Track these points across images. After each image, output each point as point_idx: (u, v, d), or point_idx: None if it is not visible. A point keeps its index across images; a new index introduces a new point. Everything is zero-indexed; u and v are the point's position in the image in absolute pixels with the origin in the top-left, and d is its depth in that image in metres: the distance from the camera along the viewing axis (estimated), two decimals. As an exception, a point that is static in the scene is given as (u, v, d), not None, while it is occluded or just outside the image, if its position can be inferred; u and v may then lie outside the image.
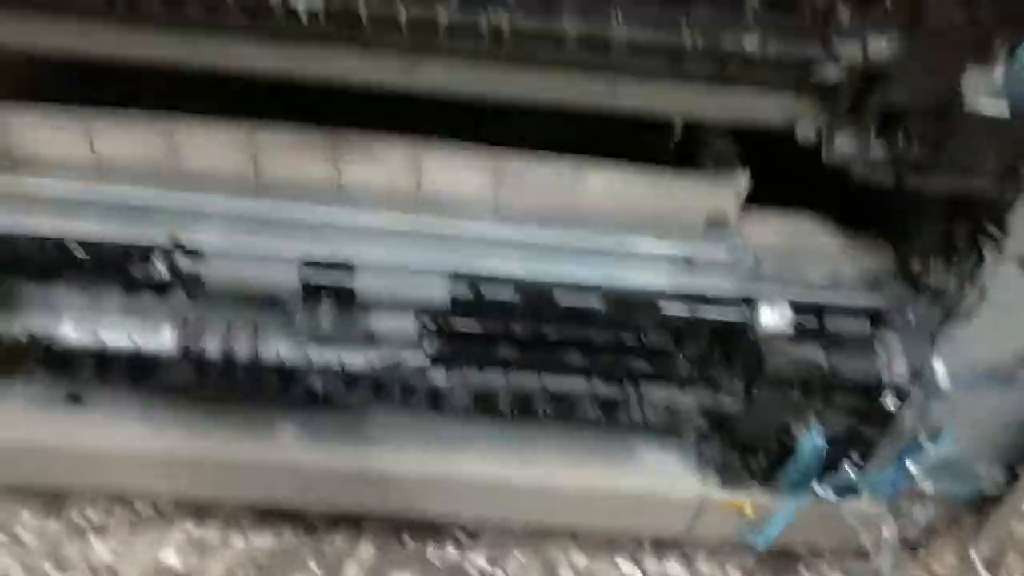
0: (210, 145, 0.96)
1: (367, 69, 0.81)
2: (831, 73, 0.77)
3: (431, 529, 1.25)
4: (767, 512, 1.09)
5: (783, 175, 0.98)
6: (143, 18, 0.77)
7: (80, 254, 0.97)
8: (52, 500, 1.24)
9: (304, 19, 0.72)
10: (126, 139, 0.95)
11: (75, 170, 0.96)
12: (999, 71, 0.72)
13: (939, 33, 0.70)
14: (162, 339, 1.07)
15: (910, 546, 1.13)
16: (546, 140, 0.99)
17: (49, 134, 0.95)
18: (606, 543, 1.28)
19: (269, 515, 1.24)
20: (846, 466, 1.06)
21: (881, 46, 0.73)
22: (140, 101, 0.97)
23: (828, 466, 1.05)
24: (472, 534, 1.27)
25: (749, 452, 1.08)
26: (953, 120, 0.74)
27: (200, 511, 1.24)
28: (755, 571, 1.27)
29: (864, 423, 1.02)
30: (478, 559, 1.25)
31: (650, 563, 1.27)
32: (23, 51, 0.85)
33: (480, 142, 0.97)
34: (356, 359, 1.07)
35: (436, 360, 1.06)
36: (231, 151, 0.96)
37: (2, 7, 0.81)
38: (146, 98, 0.98)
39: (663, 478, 1.12)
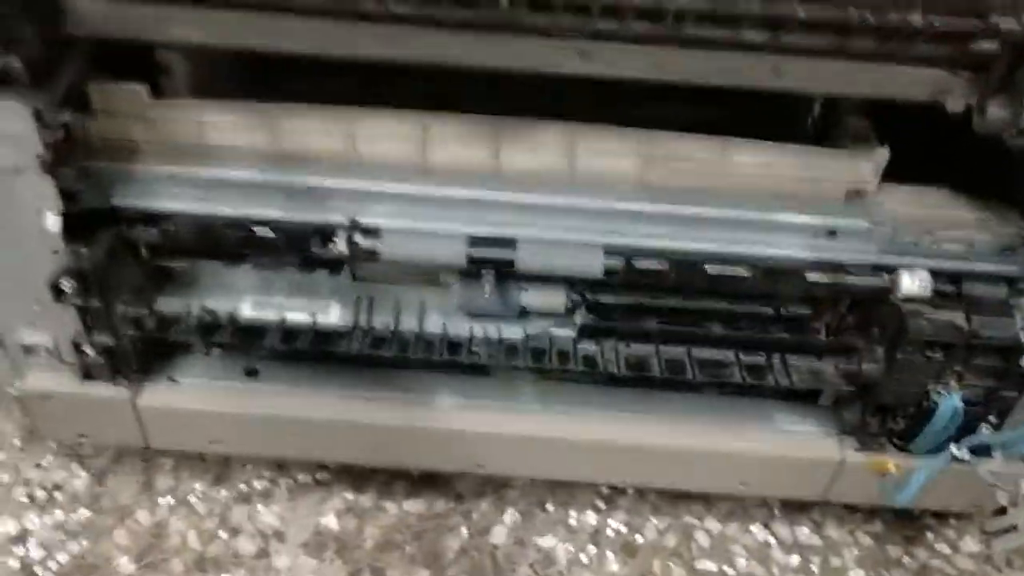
0: (384, 134, 1.04)
1: (548, 56, 0.88)
2: (987, 46, 0.83)
3: (571, 496, 1.33)
4: (904, 474, 1.13)
5: (917, 150, 1.04)
6: (346, 15, 0.85)
7: (268, 235, 1.05)
8: (220, 471, 1.34)
9: (505, 3, 0.79)
10: (308, 130, 1.04)
11: (262, 159, 1.05)
12: None
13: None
14: (333, 315, 1.16)
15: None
16: (690, 119, 1.07)
17: (238, 127, 1.05)
18: (739, 509, 1.34)
19: (420, 483, 1.33)
20: (983, 427, 1.10)
21: (1042, 17, 0.79)
22: (318, 94, 1.07)
23: (965, 427, 1.10)
24: (610, 500, 1.34)
25: (888, 415, 1.12)
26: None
27: (356, 481, 1.33)
28: (884, 536, 1.32)
29: (1002, 384, 1.06)
30: (617, 524, 1.31)
31: (782, 529, 1.32)
32: (229, 49, 0.94)
33: (626, 124, 1.05)
34: (513, 331, 1.14)
35: (587, 331, 1.13)
36: (403, 139, 1.05)
37: (212, 7, 0.90)
38: (323, 91, 1.07)
39: (803, 441, 1.18)
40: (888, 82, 0.89)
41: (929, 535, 1.32)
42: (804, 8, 0.79)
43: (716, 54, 0.86)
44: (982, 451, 1.12)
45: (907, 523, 1.33)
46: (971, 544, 1.31)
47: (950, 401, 1.06)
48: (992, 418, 1.10)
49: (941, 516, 1.33)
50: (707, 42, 0.84)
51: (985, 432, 1.10)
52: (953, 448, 1.11)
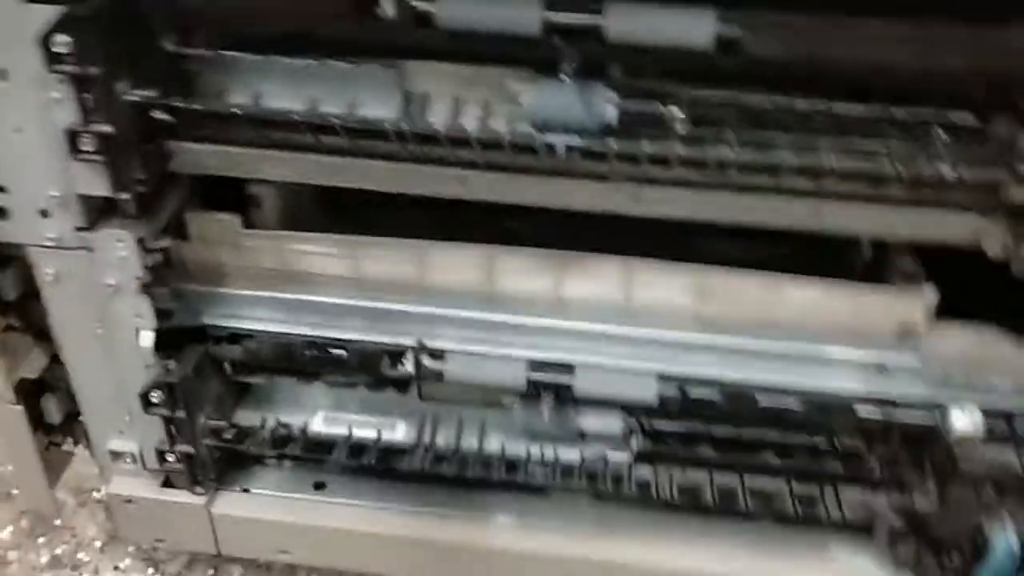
0: (453, 264, 1.12)
1: (603, 197, 0.95)
2: (1017, 194, 0.87)
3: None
4: (962, 614, 1.12)
5: (964, 291, 1.07)
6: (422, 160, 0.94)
7: (343, 354, 1.13)
8: (290, 583, 1.39)
9: (561, 153, 0.87)
10: (383, 259, 1.13)
11: (340, 285, 1.14)
12: None
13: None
14: (399, 432, 1.22)
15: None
16: (745, 256, 1.12)
17: (320, 256, 1.14)
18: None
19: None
20: (1042, 568, 1.09)
21: (1064, 170, 0.83)
22: (395, 226, 1.15)
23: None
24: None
25: (943, 552, 1.12)
26: None
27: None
28: None
29: (1058, 525, 1.05)
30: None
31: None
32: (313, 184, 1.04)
33: (683, 258, 1.11)
34: (570, 453, 1.19)
35: (643, 456, 1.16)
36: (471, 268, 1.12)
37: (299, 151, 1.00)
38: (400, 223, 1.16)
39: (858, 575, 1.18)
40: (926, 226, 0.93)
41: None
42: (838, 159, 0.84)
43: (758, 196, 0.91)
44: (1046, 595, 1.11)
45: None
46: None
47: (1005, 540, 1.06)
48: (1052, 558, 1.09)
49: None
50: (748, 187, 0.90)
51: (1044, 573, 1.09)
52: (1012, 589, 1.10)
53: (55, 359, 1.21)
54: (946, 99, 0.92)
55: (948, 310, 1.09)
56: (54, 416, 1.25)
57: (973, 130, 0.91)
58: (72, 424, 1.29)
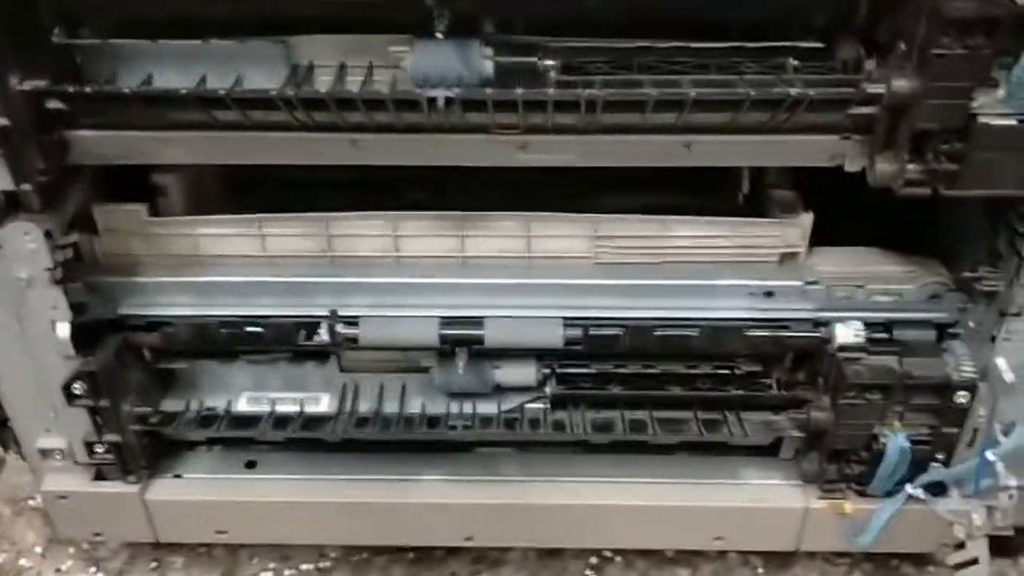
0: (358, 233, 1.17)
1: (488, 151, 1.01)
2: (866, 111, 0.95)
3: (563, 569, 1.39)
4: (867, 516, 1.20)
5: (845, 217, 1.15)
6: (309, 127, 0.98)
7: (258, 330, 1.16)
8: (228, 567, 1.41)
9: (441, 105, 0.92)
10: (288, 234, 1.17)
11: (249, 264, 1.17)
12: (1001, 90, 0.89)
13: (947, 66, 0.87)
14: (322, 404, 1.26)
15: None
16: (637, 204, 1.19)
17: (226, 237, 1.17)
18: (723, 570, 1.40)
19: (417, 564, 1.40)
20: (933, 465, 1.17)
21: (903, 83, 0.91)
22: (297, 203, 1.19)
23: (917, 467, 1.17)
24: (599, 569, 1.40)
25: (843, 461, 1.20)
26: (970, 135, 0.91)
27: (355, 567, 1.40)
28: (866, 589, 1.37)
29: (942, 422, 1.13)
30: (607, 591, 1.37)
31: (767, 586, 1.38)
32: (214, 164, 1.08)
33: (577, 211, 1.17)
34: (488, 407, 1.24)
35: (557, 401, 1.22)
36: (376, 236, 1.17)
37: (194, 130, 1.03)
38: (301, 199, 1.20)
39: (769, 493, 1.25)
40: (790, 151, 1.01)
41: (910, 580, 1.37)
42: (696, 90, 0.91)
43: (634, 138, 0.98)
44: (939, 490, 1.19)
45: (887, 571, 1.38)
46: (948, 589, 1.36)
47: (895, 441, 1.14)
48: (940, 456, 1.17)
49: (919, 564, 1.38)
50: (623, 128, 0.96)
51: (935, 470, 1.17)
52: (908, 488, 1.18)
53: (-25, 365, 1.22)
54: (795, 28, 0.99)
55: (826, 234, 1.17)
56: (-18, 423, 1.26)
57: (821, 55, 0.99)
58: (1, 431, 1.30)
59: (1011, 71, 0.87)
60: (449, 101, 0.93)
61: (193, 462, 1.30)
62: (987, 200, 1.04)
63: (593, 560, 1.41)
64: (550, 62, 0.98)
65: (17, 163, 0.97)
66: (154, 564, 1.42)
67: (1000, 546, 1.27)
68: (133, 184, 1.16)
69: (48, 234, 1.06)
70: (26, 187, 0.99)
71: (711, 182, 1.22)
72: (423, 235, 1.16)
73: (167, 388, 1.27)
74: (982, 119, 0.90)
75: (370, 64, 0.99)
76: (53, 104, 0.97)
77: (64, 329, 1.10)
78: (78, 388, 1.14)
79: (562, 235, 1.16)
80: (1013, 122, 0.90)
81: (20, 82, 0.93)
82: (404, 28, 0.97)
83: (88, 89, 0.94)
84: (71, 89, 0.94)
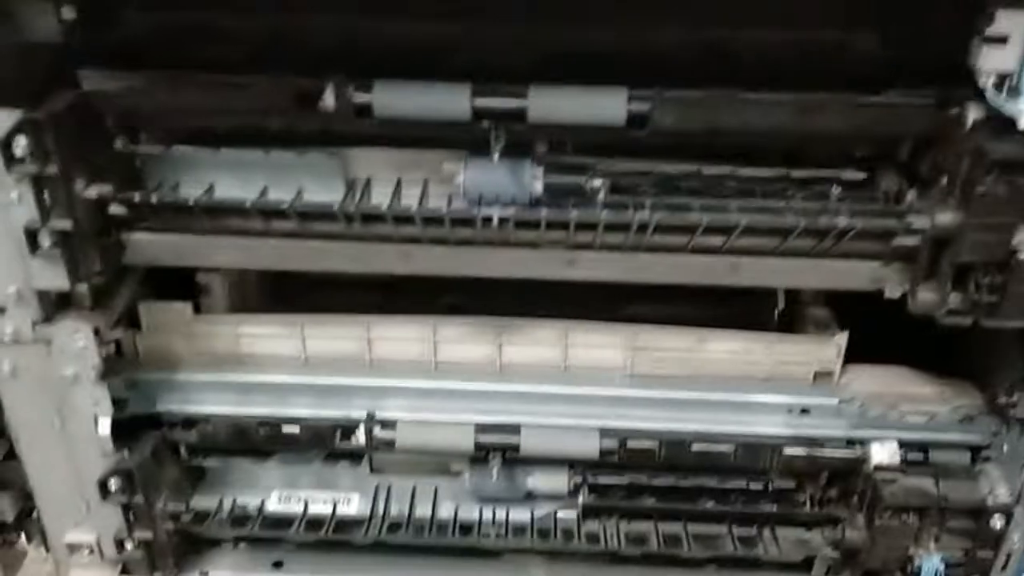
0: (397, 337, 1.18)
1: (536, 265, 1.03)
2: (911, 242, 0.97)
3: None
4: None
5: (878, 335, 1.16)
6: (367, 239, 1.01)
7: (295, 431, 1.17)
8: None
9: (495, 223, 0.95)
10: (330, 337, 1.18)
11: (290, 364, 1.19)
12: (1041, 230, 0.92)
13: (989, 202, 0.90)
14: (353, 505, 1.26)
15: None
16: (672, 316, 1.21)
17: (269, 337, 1.19)
18: None
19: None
20: (969, 589, 1.17)
21: (946, 217, 0.93)
22: (340, 305, 1.21)
23: (952, 590, 1.17)
24: None
25: (877, 581, 1.19)
26: (1012, 268, 0.93)
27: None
28: None
29: (977, 545, 1.13)
30: None
31: None
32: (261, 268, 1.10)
33: (613, 319, 1.19)
34: (521, 513, 1.24)
35: (590, 511, 1.22)
36: (414, 340, 1.18)
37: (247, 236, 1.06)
38: (344, 302, 1.22)
39: (800, 612, 1.24)
40: (832, 275, 1.03)
41: None
42: (747, 216, 0.94)
43: (679, 257, 1.00)
44: (973, 613, 1.19)
45: None
46: None
47: (930, 563, 1.14)
48: (976, 579, 1.17)
49: None
50: (669, 248, 0.99)
51: (971, 594, 1.17)
52: (944, 611, 1.18)
53: (7, 456, 1.22)
54: (839, 159, 1.02)
55: (861, 353, 1.18)
56: (7, 514, 1.26)
57: (864, 185, 1.01)
58: (24, 522, 1.29)
59: (1052, 212, 0.89)
60: (503, 220, 0.95)
61: (219, 559, 1.30)
62: (1020, 328, 1.05)
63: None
64: (599, 182, 1.00)
65: (75, 264, 1.00)
66: (172, 662, 1.39)
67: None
68: (177, 282, 1.18)
69: (96, 331, 1.07)
70: (81, 287, 1.01)
71: (747, 296, 1.24)
72: (461, 341, 1.18)
73: (198, 484, 1.27)
74: (1023, 254, 0.92)
75: (425, 180, 1.02)
76: (115, 209, 0.99)
77: (105, 426, 1.12)
78: (114, 484, 1.14)
79: (599, 345, 1.17)
80: (1052, 261, 0.92)
81: (85, 188, 0.96)
82: (457, 145, 1.00)
83: (154, 198, 0.96)
84: (137, 197, 0.97)
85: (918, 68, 0.95)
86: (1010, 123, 0.87)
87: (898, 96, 0.96)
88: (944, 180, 0.95)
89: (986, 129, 0.90)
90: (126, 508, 1.17)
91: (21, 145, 0.92)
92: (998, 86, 0.86)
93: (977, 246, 0.93)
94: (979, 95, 0.89)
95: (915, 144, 0.98)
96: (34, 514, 1.28)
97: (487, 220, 0.95)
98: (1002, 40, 0.83)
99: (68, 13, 0.92)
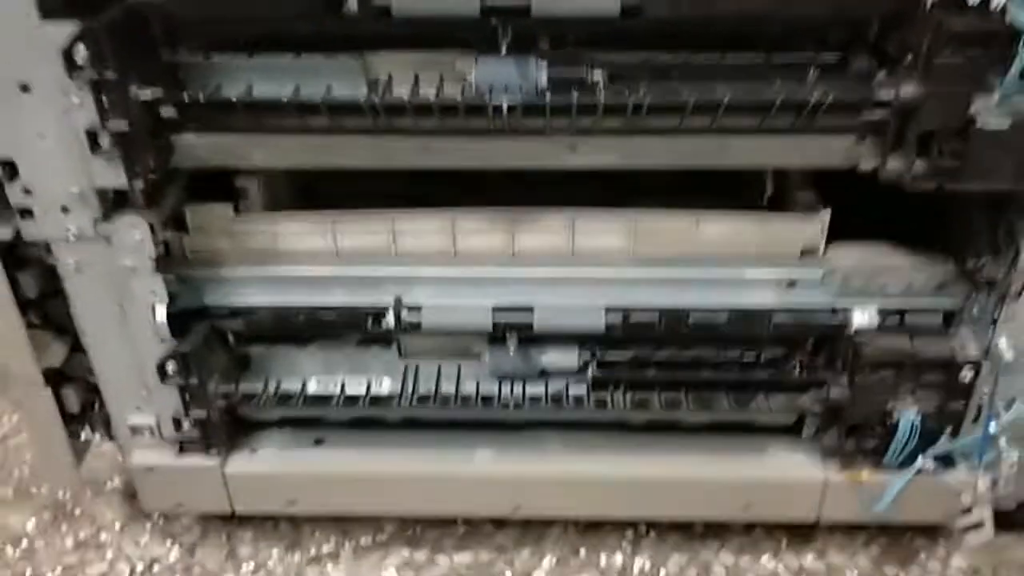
0: (419, 229, 1.30)
1: (544, 152, 1.14)
2: (877, 115, 1.08)
3: (600, 541, 1.51)
4: (882, 487, 1.32)
5: (860, 215, 1.27)
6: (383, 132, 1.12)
7: (331, 318, 1.30)
8: (293, 538, 1.54)
9: (505, 111, 1.06)
10: (358, 231, 1.30)
11: (323, 257, 1.31)
12: (995, 96, 1.02)
13: (947, 73, 1.01)
14: (385, 385, 1.39)
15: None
16: (671, 201, 1.32)
17: (303, 234, 1.31)
18: (750, 543, 1.51)
19: (467, 537, 1.52)
20: (943, 439, 1.29)
21: (909, 89, 1.04)
22: (364, 197, 1.33)
23: (928, 441, 1.29)
24: (635, 543, 1.52)
25: (860, 436, 1.32)
26: (971, 136, 1.04)
27: (410, 540, 1.52)
28: (880, 559, 1.48)
29: (949, 398, 1.26)
30: (642, 561, 1.49)
31: (789, 557, 1.49)
32: (295, 168, 1.22)
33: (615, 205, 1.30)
34: (535, 389, 1.37)
35: (598, 383, 1.35)
36: (435, 231, 1.30)
37: (279, 133, 1.17)
38: (367, 194, 1.34)
39: (792, 467, 1.37)
40: (811, 152, 1.14)
41: (922, 555, 1.49)
42: (730, 94, 1.05)
43: (672, 139, 1.11)
44: (948, 463, 1.31)
45: (901, 545, 1.49)
46: (959, 561, 1.47)
47: (907, 416, 1.26)
48: (949, 430, 1.29)
49: (930, 536, 1.50)
50: (663, 131, 1.10)
51: (944, 443, 1.29)
52: (920, 460, 1.30)
53: (72, 351, 1.35)
54: (816, 43, 1.13)
55: (845, 231, 1.29)
56: (73, 406, 1.40)
57: (839, 67, 1.12)
58: (87, 414, 1.43)
59: (1004, 79, 0.99)
60: (512, 108, 1.06)
61: (266, 439, 1.44)
62: (987, 195, 1.16)
63: (629, 534, 1.53)
64: (598, 72, 1.11)
65: (132, 164, 1.11)
66: (224, 537, 1.54)
67: (1004, 521, 1.38)
68: (217, 189, 1.30)
69: (151, 228, 1.19)
70: (137, 184, 1.13)
71: (739, 186, 1.35)
72: (478, 231, 1.29)
73: (244, 371, 1.40)
74: (979, 121, 1.03)
75: (441, 76, 1.12)
76: (166, 111, 1.10)
77: (162, 313, 1.24)
78: (171, 367, 1.27)
79: (603, 231, 1.29)
80: (1006, 125, 1.02)
81: (139, 92, 1.07)
82: (469, 44, 1.11)
83: (201, 98, 1.08)
84: (186, 98, 1.08)
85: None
86: (964, 1, 0.96)
87: (868, -20, 1.05)
88: (909, 57, 1.05)
89: (943, 7, 0.99)
90: (182, 389, 1.30)
91: (81, 53, 1.03)
92: (952, -33, 0.95)
93: (938, 115, 1.03)
94: (938, -23, 0.98)
95: (883, 25, 1.08)
96: (95, 406, 1.42)
97: (497, 108, 1.06)
98: (952, -74, 0.92)
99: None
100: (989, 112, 1.03)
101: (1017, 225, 1.15)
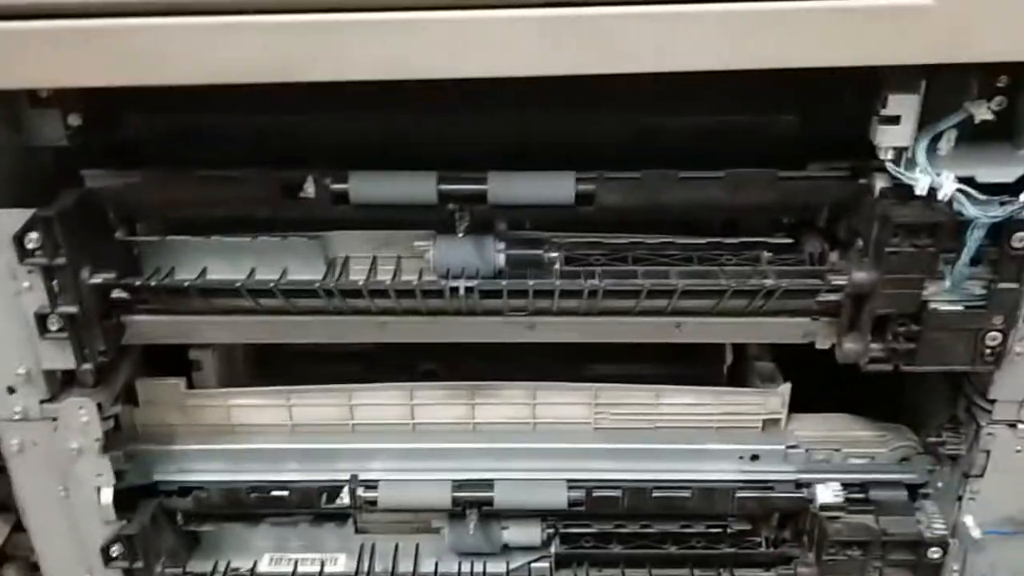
0: (378, 403, 1.28)
1: (501, 330, 1.14)
2: (832, 298, 1.09)
3: None
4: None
5: (821, 386, 1.27)
6: (347, 312, 1.12)
7: (284, 494, 1.26)
8: None
9: (462, 294, 1.06)
10: (314, 404, 1.28)
11: (278, 432, 1.28)
12: (947, 281, 1.03)
13: (897, 261, 1.02)
14: (340, 564, 1.34)
15: None
16: (630, 376, 1.31)
17: (257, 408, 1.28)
18: None
19: None
20: (914, 620, 1.26)
21: (862, 275, 1.05)
22: (318, 370, 1.31)
23: (899, 622, 1.25)
24: None
25: (830, 615, 1.28)
26: (924, 319, 1.05)
27: None
28: None
29: (918, 576, 1.23)
30: None
31: None
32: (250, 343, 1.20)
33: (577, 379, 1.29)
34: (496, 566, 1.32)
35: (562, 560, 1.31)
36: (394, 405, 1.28)
37: (235, 315, 1.16)
38: (322, 367, 1.32)
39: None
40: (767, 331, 1.14)
41: None
42: (684, 281, 1.05)
43: (628, 319, 1.11)
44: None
45: None
46: None
47: (877, 596, 1.23)
48: (921, 612, 1.26)
49: None
50: (620, 311, 1.10)
51: (917, 626, 1.25)
52: (892, 642, 1.26)
53: (14, 529, 1.30)
54: (768, 226, 1.14)
55: (804, 399, 1.29)
56: (13, 586, 1.34)
57: (791, 248, 1.13)
58: (30, 593, 1.37)
59: (954, 265, 1.01)
60: (469, 290, 1.06)
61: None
62: (945, 373, 1.16)
63: None
64: (554, 254, 1.12)
65: (80, 346, 1.09)
66: None
67: None
68: (170, 359, 1.28)
69: (99, 407, 1.16)
70: (86, 367, 1.11)
71: (699, 354, 1.35)
72: (436, 403, 1.27)
73: (194, 550, 1.35)
74: (932, 305, 1.04)
75: (398, 257, 1.13)
76: (117, 294, 1.09)
77: (108, 495, 1.20)
78: (116, 551, 1.22)
79: (565, 403, 1.28)
80: (959, 308, 1.03)
81: (90, 275, 1.06)
82: (427, 225, 1.11)
83: (152, 282, 1.07)
84: (137, 282, 1.07)
85: (833, 145, 1.07)
86: (911, 191, 0.99)
87: (816, 169, 1.08)
88: (859, 242, 1.06)
89: (891, 196, 1.01)
90: (128, 573, 1.25)
91: (32, 239, 1.02)
92: (896, 160, 0.98)
93: (891, 299, 1.04)
94: (884, 167, 1.01)
95: (834, 211, 1.10)
96: (38, 585, 1.35)
97: (454, 291, 1.06)
98: (895, 120, 0.95)
99: (74, 120, 1.02)
100: (942, 296, 1.04)
101: (977, 402, 1.14)
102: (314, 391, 1.28)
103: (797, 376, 1.28)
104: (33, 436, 1.17)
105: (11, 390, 1.14)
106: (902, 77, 0.92)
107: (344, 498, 1.25)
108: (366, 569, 1.32)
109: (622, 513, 1.28)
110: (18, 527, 1.29)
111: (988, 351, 1.06)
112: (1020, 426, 1.13)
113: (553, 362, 1.32)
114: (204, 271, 1.11)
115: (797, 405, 1.28)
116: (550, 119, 1.08)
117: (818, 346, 1.13)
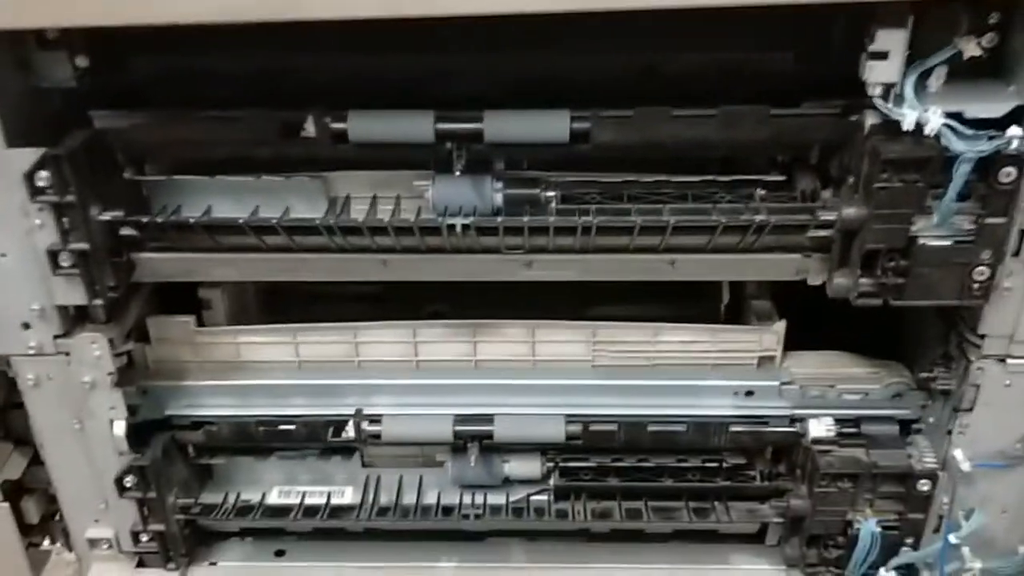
0: (382, 340, 1.31)
1: (498, 268, 1.16)
2: (823, 234, 1.11)
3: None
4: (846, 599, 1.31)
5: (817, 324, 1.29)
6: (348, 250, 1.14)
7: (291, 428, 1.30)
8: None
9: (459, 231, 1.08)
10: (320, 342, 1.31)
11: (285, 368, 1.32)
12: (935, 216, 1.05)
13: (887, 196, 1.03)
14: (346, 496, 1.39)
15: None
16: (630, 313, 1.34)
17: (265, 345, 1.32)
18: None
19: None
20: (904, 549, 1.29)
21: (852, 211, 1.07)
22: (325, 312, 1.34)
23: (890, 552, 1.29)
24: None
25: (822, 546, 1.31)
26: (912, 253, 1.07)
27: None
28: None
29: (909, 509, 1.26)
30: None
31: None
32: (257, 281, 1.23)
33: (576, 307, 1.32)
34: (497, 498, 1.36)
35: (560, 492, 1.35)
36: (398, 343, 1.31)
37: (241, 252, 1.19)
38: (329, 308, 1.35)
39: (755, 576, 1.37)
40: (760, 268, 1.16)
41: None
42: (676, 217, 1.07)
43: (624, 257, 1.14)
44: (910, 573, 1.31)
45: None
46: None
47: (867, 526, 1.26)
48: (910, 541, 1.29)
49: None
50: (614, 248, 1.12)
51: (905, 553, 1.29)
52: (882, 572, 1.30)
53: (31, 463, 1.35)
54: (762, 164, 1.16)
55: (801, 338, 1.31)
56: (32, 516, 1.39)
57: (784, 186, 1.15)
58: (48, 524, 1.42)
59: (942, 200, 1.02)
60: (466, 227, 1.09)
61: (227, 551, 1.42)
62: (938, 311, 1.18)
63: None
64: (551, 193, 1.14)
65: (92, 282, 1.12)
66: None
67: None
68: (181, 298, 1.31)
69: (111, 342, 1.20)
70: (97, 302, 1.14)
71: (696, 294, 1.37)
72: (439, 341, 1.30)
73: (205, 482, 1.40)
74: (921, 240, 1.05)
75: (398, 196, 1.15)
76: (126, 231, 1.12)
77: (120, 427, 1.24)
78: (129, 481, 1.27)
79: (563, 340, 1.30)
80: (947, 242, 1.05)
81: (100, 213, 1.09)
82: (426, 165, 1.14)
83: (159, 219, 1.10)
84: (144, 219, 1.10)
85: (825, 83, 1.08)
86: (899, 127, 1.00)
87: (809, 107, 1.09)
88: (850, 178, 1.08)
89: (880, 133, 1.03)
90: (140, 503, 1.30)
91: (43, 178, 1.05)
92: (885, 96, 0.99)
93: (880, 234, 1.06)
94: (874, 104, 1.02)
95: (826, 148, 1.12)
96: (56, 516, 1.41)
97: (451, 228, 1.08)
98: (883, 55, 0.96)
99: (81, 62, 1.05)
100: (930, 231, 1.05)
101: (967, 338, 1.16)
102: (320, 328, 1.31)
103: (794, 316, 1.29)
104: (48, 370, 1.21)
105: (26, 326, 1.17)
106: (890, 11, 0.93)
107: (349, 432, 1.28)
108: (371, 501, 1.36)
109: (619, 447, 1.31)
110: (36, 460, 1.33)
111: (976, 286, 1.07)
112: (1009, 360, 1.15)
113: (554, 303, 1.34)
114: (209, 209, 1.13)
115: (795, 344, 1.30)
116: (548, 58, 1.10)
117: (810, 282, 1.15)
